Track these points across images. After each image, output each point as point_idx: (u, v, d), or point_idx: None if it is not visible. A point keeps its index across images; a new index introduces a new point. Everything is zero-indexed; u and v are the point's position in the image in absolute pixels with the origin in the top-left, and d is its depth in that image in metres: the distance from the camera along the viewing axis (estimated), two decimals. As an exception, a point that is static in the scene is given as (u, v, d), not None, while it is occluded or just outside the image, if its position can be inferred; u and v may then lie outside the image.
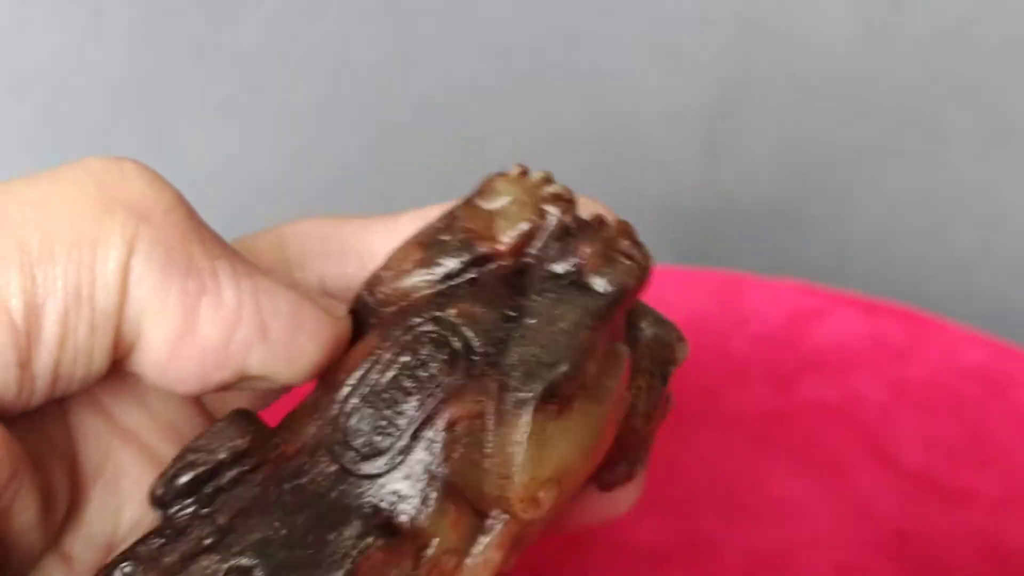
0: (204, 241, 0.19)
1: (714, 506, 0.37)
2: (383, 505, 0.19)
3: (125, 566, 0.19)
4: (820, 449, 0.39)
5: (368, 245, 0.23)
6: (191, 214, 0.19)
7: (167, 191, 0.19)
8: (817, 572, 0.35)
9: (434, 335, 0.20)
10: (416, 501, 0.19)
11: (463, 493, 0.19)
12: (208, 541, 0.19)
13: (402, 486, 0.19)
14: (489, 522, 0.19)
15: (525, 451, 0.19)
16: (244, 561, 0.18)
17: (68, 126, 0.57)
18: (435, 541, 0.19)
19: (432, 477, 0.19)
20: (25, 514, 0.19)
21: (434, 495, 0.19)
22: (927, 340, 0.43)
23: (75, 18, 0.55)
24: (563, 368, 0.19)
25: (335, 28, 0.55)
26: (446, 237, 0.21)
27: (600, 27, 0.51)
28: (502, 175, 0.21)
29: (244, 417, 0.20)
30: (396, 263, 0.21)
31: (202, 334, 0.19)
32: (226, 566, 0.18)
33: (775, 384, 0.41)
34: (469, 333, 0.20)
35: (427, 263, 0.21)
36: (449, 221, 0.21)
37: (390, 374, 0.19)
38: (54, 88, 0.56)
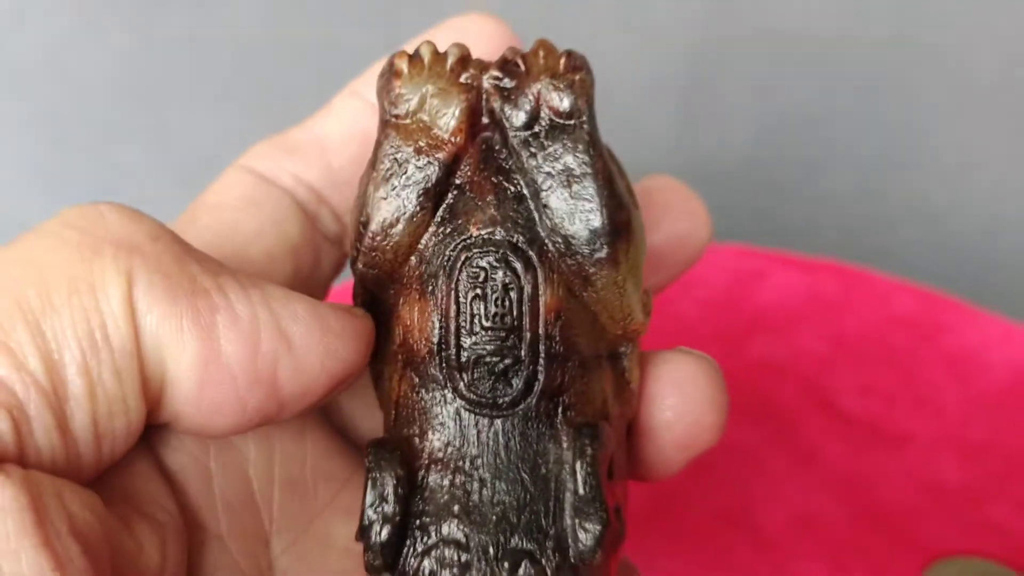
0: (201, 260, 0.18)
1: (678, 468, 0.40)
2: (556, 418, 0.19)
3: None
4: (770, 405, 0.42)
5: (318, 136, 0.22)
6: (178, 239, 0.19)
7: (148, 222, 0.18)
8: (775, 523, 0.39)
9: (481, 259, 0.19)
10: (575, 394, 0.19)
11: (596, 351, 0.20)
12: (460, 558, 0.18)
13: (552, 393, 0.19)
14: (622, 353, 0.20)
15: (629, 290, 0.19)
16: (511, 545, 0.18)
17: (67, 120, 0.57)
18: (609, 400, 0.20)
19: (570, 365, 0.19)
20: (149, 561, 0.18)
21: (583, 377, 0.19)
22: (860, 293, 0.46)
23: (69, 13, 0.55)
24: (608, 208, 0.19)
25: (326, 17, 0.55)
26: (404, 173, 0.19)
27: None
28: (396, 75, 0.19)
29: (385, 444, 0.19)
30: (376, 223, 0.19)
31: (226, 353, 0.18)
32: (498, 563, 0.18)
33: (725, 346, 0.44)
34: (505, 236, 0.19)
35: (406, 204, 0.19)
36: (391, 155, 0.19)
37: (473, 315, 0.19)
38: (52, 83, 0.56)
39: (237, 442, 0.20)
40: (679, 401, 0.20)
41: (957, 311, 0.45)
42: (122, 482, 0.19)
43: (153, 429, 0.19)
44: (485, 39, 0.22)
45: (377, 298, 0.20)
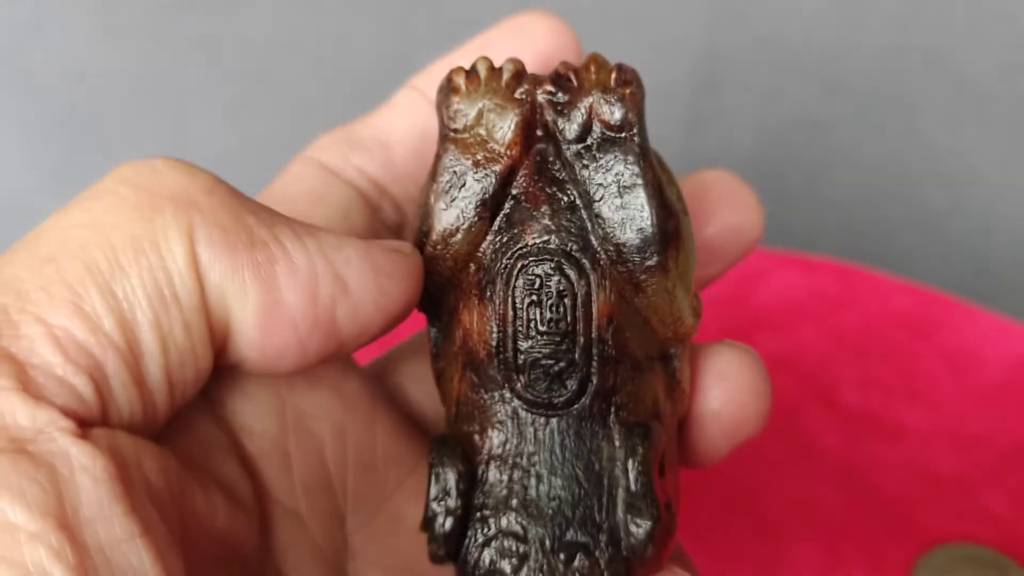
0: (256, 212, 0.19)
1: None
2: (609, 417, 0.20)
3: None
4: (773, 397, 0.44)
5: (380, 131, 0.23)
6: (232, 190, 0.19)
7: (201, 175, 0.19)
8: (775, 508, 0.40)
9: (536, 266, 0.20)
10: (627, 394, 0.20)
11: (647, 353, 0.20)
12: (518, 549, 0.19)
13: (605, 394, 0.20)
14: (673, 355, 0.21)
15: (679, 295, 0.20)
16: (567, 538, 0.19)
17: (86, 123, 0.58)
18: (660, 400, 0.20)
19: (622, 367, 0.20)
20: (218, 513, 0.19)
21: (634, 379, 0.20)
22: (860, 291, 0.47)
23: (88, 19, 0.56)
24: (658, 217, 0.19)
25: (338, 21, 0.57)
26: (463, 184, 0.20)
27: (583, 4, 0.53)
28: (454, 91, 0.20)
29: (446, 441, 0.20)
30: (437, 233, 0.20)
31: (287, 302, 0.19)
32: (554, 554, 0.19)
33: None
34: (560, 244, 0.20)
35: (464, 214, 0.20)
36: (450, 168, 0.20)
37: (529, 320, 0.20)
38: (70, 86, 0.57)
39: (313, 428, 0.21)
40: (725, 391, 0.21)
41: (954, 309, 0.47)
42: (201, 461, 0.20)
43: (235, 414, 0.21)
44: (545, 38, 0.23)
45: (439, 301, 0.21)
